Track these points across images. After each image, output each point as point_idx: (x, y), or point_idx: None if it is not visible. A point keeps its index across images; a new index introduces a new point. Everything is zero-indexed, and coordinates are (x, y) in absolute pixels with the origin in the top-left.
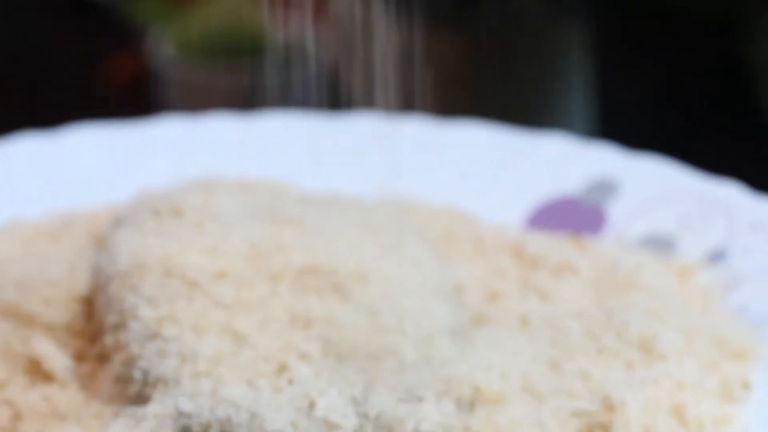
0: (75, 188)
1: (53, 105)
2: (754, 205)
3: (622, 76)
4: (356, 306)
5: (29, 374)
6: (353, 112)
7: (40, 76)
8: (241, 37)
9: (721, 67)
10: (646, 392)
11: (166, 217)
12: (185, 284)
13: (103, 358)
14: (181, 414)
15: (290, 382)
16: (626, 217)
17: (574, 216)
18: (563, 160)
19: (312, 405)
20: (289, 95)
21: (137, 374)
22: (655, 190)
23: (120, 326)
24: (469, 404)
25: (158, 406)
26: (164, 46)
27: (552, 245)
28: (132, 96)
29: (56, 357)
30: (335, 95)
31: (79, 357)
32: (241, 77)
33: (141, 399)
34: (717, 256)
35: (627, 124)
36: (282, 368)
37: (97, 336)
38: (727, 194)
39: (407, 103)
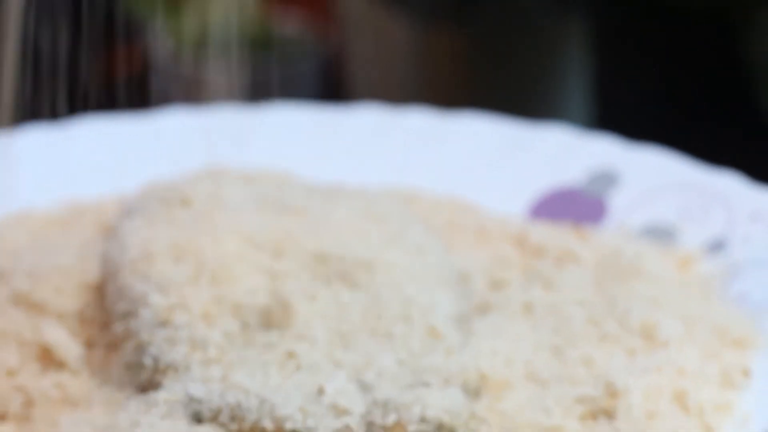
0: (83, 179)
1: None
2: (753, 195)
3: (622, 72)
4: (363, 294)
5: (41, 361)
6: (356, 104)
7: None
8: (242, 30)
9: (720, 65)
10: (648, 379)
11: (175, 206)
12: (195, 272)
13: (113, 346)
14: (191, 400)
15: (299, 368)
16: (627, 208)
17: (576, 206)
18: (565, 151)
19: (320, 390)
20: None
21: (148, 361)
22: (656, 181)
23: (130, 314)
24: (474, 391)
25: (169, 393)
26: (164, 40)
27: (554, 235)
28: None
29: (67, 344)
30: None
31: (89, 344)
32: (242, 71)
33: (152, 385)
34: (717, 246)
35: (627, 122)
36: (290, 355)
37: (108, 324)
38: (727, 185)
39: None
